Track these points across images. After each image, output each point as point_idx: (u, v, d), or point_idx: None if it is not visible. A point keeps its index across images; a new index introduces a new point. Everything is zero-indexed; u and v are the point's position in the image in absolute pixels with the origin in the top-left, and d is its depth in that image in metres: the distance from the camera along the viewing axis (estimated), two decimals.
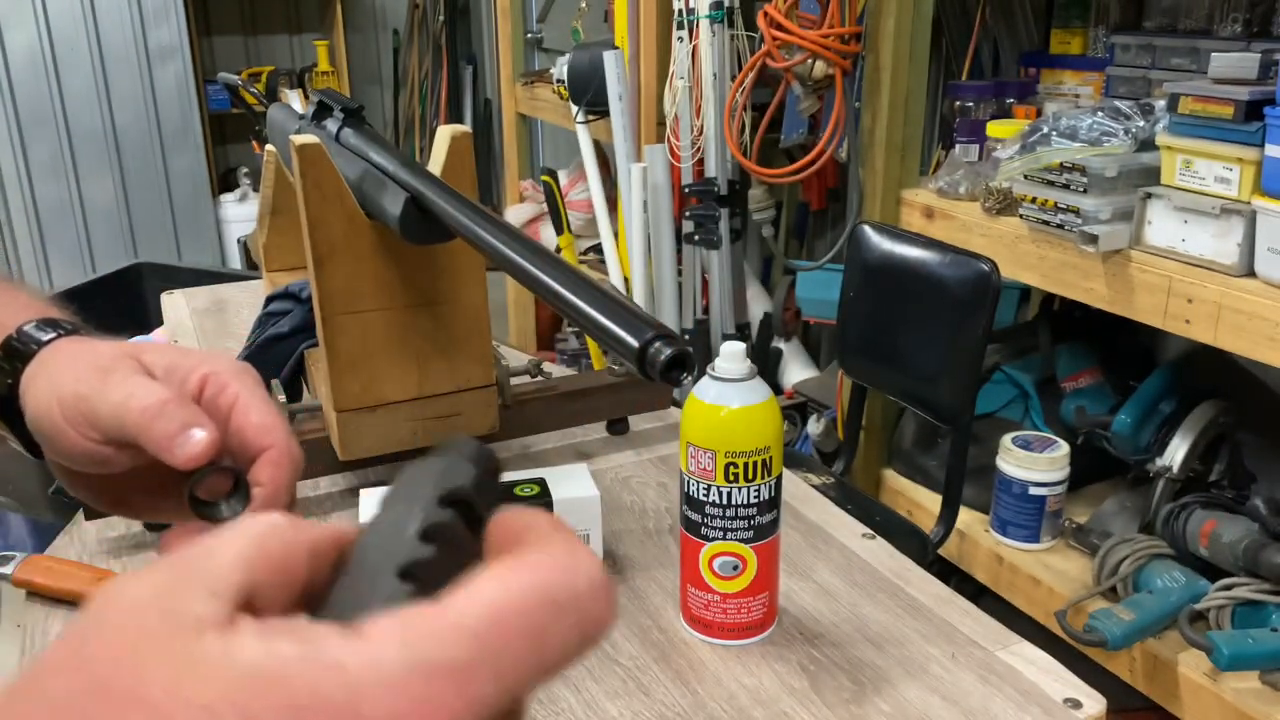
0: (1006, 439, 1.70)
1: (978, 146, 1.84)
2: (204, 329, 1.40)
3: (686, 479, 0.71)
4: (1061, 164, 1.47)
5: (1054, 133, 1.48)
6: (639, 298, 2.32)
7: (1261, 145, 1.27)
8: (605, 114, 2.39)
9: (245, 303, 1.48)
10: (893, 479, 2.04)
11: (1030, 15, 2.08)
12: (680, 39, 2.11)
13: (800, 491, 0.94)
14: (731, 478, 0.68)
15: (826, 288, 2.09)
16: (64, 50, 3.78)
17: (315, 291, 0.84)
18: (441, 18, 4.42)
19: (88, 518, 0.88)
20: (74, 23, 3.77)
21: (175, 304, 1.51)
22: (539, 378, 1.03)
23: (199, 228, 4.16)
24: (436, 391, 0.89)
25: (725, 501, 0.69)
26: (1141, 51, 1.71)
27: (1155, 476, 1.62)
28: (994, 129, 1.75)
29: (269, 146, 1.14)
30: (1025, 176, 1.53)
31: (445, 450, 0.29)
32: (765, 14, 1.91)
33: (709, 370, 0.70)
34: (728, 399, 0.68)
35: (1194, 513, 1.49)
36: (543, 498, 0.79)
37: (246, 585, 0.25)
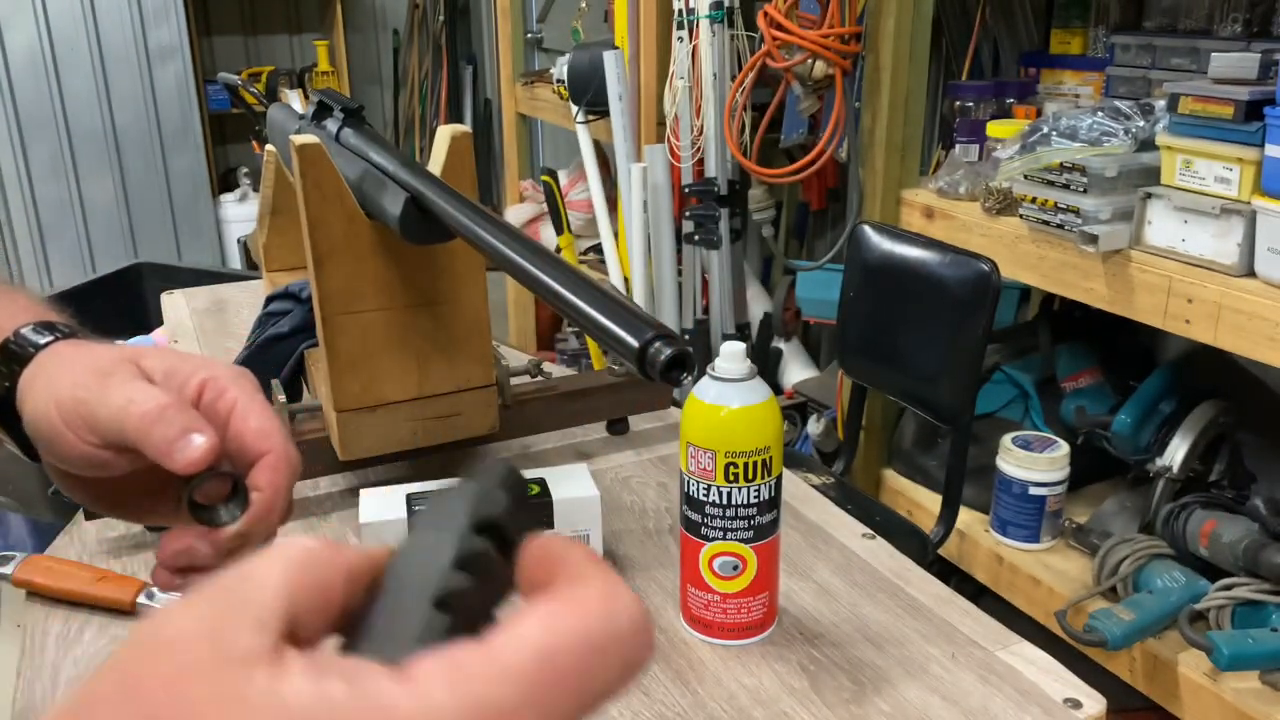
0: (1006, 439, 1.70)
1: (978, 146, 1.84)
2: (204, 329, 1.40)
3: (686, 479, 0.71)
4: (1061, 164, 1.47)
5: (1054, 133, 1.48)
6: (639, 298, 2.32)
7: (1261, 145, 1.27)
8: (605, 114, 2.39)
9: (245, 303, 1.48)
10: (893, 479, 2.04)
11: (1030, 15, 2.08)
12: (680, 39, 2.11)
13: (800, 491, 0.94)
14: (731, 478, 0.68)
15: (826, 288, 2.08)
16: (64, 50, 3.78)
17: (315, 291, 0.84)
18: (441, 18, 4.42)
19: (88, 518, 0.88)
20: (74, 23, 3.77)
21: (175, 304, 1.51)
22: (539, 378, 1.03)
23: (199, 228, 4.16)
24: (436, 391, 0.89)
25: (725, 501, 0.69)
26: (1141, 51, 1.71)
27: (1155, 476, 1.62)
28: (994, 129, 1.75)
29: (269, 146, 1.14)
30: (1025, 176, 1.53)
31: (477, 474, 0.29)
32: (765, 14, 1.91)
33: (709, 370, 0.70)
34: (728, 399, 0.68)
35: (1194, 513, 1.49)
36: (543, 498, 0.79)
37: (289, 612, 0.25)
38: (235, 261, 3.99)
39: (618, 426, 1.05)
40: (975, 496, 1.77)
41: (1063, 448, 1.68)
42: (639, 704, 0.67)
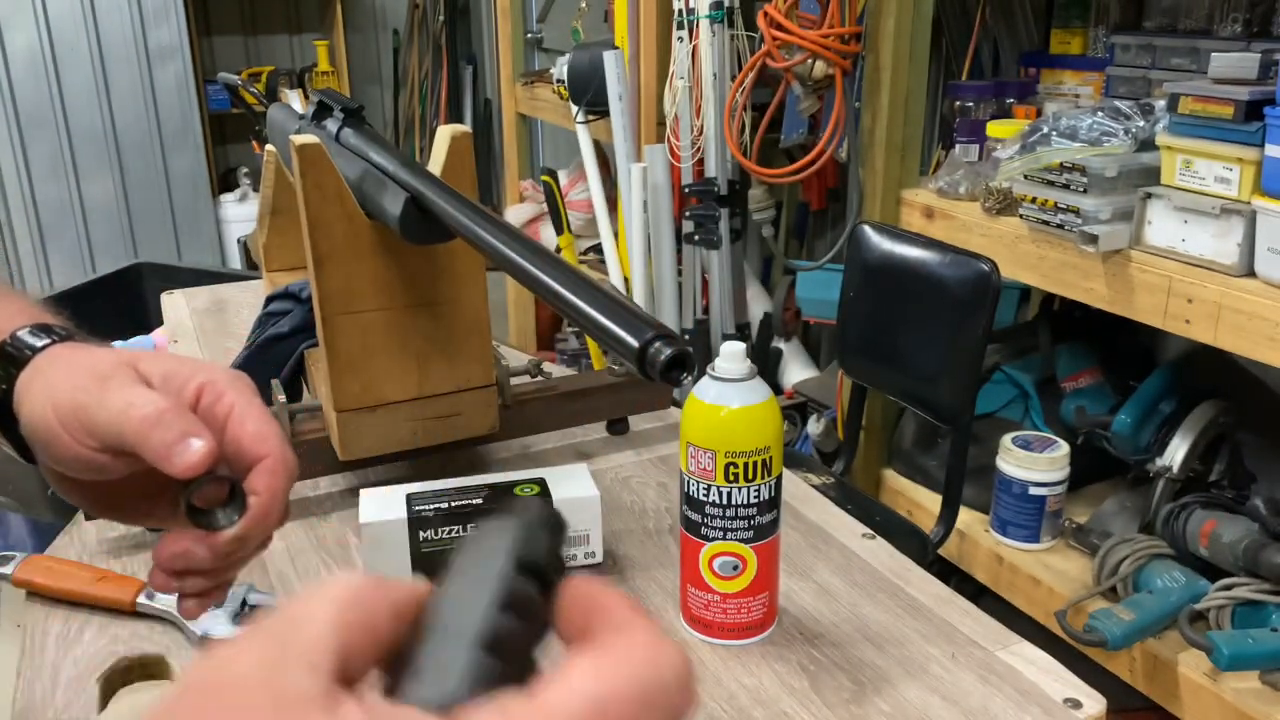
0: (1006, 439, 1.70)
1: (978, 146, 1.84)
2: (204, 329, 1.40)
3: (686, 479, 0.71)
4: (1061, 164, 1.47)
5: (1054, 133, 1.48)
6: (639, 298, 2.32)
7: (1261, 145, 1.27)
8: (605, 114, 2.39)
9: (245, 303, 1.47)
10: (893, 479, 2.04)
11: (1030, 15, 2.08)
12: (680, 39, 2.11)
13: (800, 491, 0.94)
14: (731, 478, 0.68)
15: (826, 288, 2.08)
16: (64, 50, 3.78)
17: (315, 292, 0.84)
18: (441, 18, 4.42)
19: (88, 518, 0.88)
20: (74, 23, 3.77)
21: (175, 304, 1.51)
22: (539, 378, 1.03)
23: (199, 228, 4.16)
24: (436, 391, 0.89)
25: (725, 501, 0.69)
26: (1141, 51, 1.71)
27: (1155, 476, 1.62)
28: (994, 129, 1.75)
29: (269, 146, 1.14)
30: (1025, 176, 1.53)
31: (515, 511, 0.30)
32: (765, 14, 1.91)
33: (709, 370, 0.69)
34: (728, 399, 0.68)
35: (1194, 513, 1.49)
36: (543, 498, 0.79)
37: (340, 652, 0.25)
38: (235, 261, 3.99)
39: (618, 426, 1.05)
40: (975, 496, 1.77)
41: (1063, 448, 1.68)
42: None
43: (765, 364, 2.43)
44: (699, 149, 2.14)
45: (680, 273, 2.30)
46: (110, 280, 2.37)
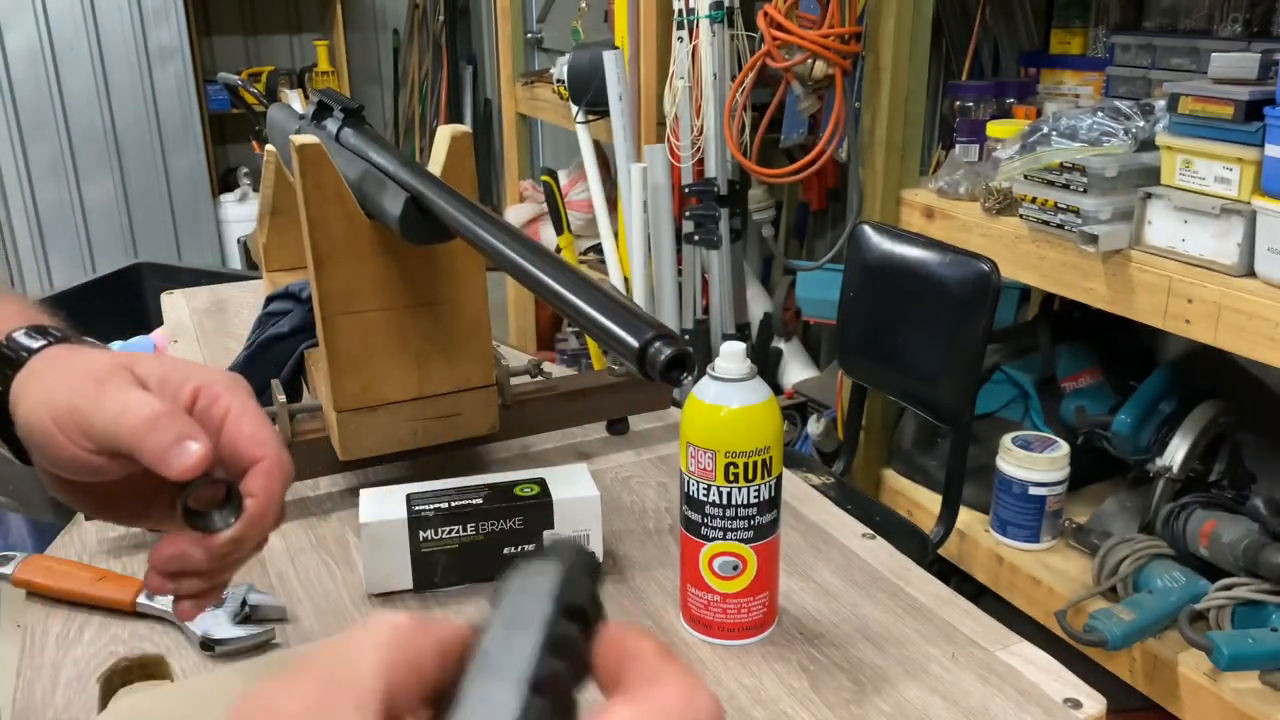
0: (1006, 439, 1.70)
1: (978, 146, 1.84)
2: (204, 329, 1.40)
3: (686, 479, 0.71)
4: (1061, 164, 1.47)
5: (1054, 133, 1.48)
6: (639, 298, 2.32)
7: (1261, 145, 1.27)
8: (605, 114, 2.39)
9: (245, 303, 1.47)
10: (893, 479, 2.04)
11: (1030, 15, 2.08)
12: (680, 39, 2.11)
13: (800, 491, 0.94)
14: (731, 478, 0.68)
15: (826, 288, 2.09)
16: (64, 50, 3.78)
17: (315, 292, 0.84)
18: (441, 18, 4.42)
19: (87, 518, 0.88)
20: (74, 23, 3.77)
21: (175, 304, 1.51)
22: (539, 378, 1.03)
23: (199, 228, 4.16)
24: (436, 391, 0.89)
25: (725, 501, 0.69)
26: (1141, 51, 1.71)
27: (1155, 476, 1.62)
28: (994, 129, 1.75)
29: (269, 146, 1.14)
30: (1025, 176, 1.53)
31: (554, 554, 0.31)
32: (765, 14, 1.91)
33: (709, 370, 0.69)
34: (728, 399, 0.68)
35: (1194, 513, 1.49)
36: (543, 498, 0.79)
37: (387, 693, 0.26)
38: (235, 261, 3.99)
39: (618, 426, 1.05)
40: (975, 496, 1.77)
41: (1063, 448, 1.68)
42: None
43: (765, 364, 2.43)
44: (699, 149, 2.14)
45: (680, 273, 2.30)
46: (110, 280, 2.37)
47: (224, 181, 4.39)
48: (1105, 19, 1.88)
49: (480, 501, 0.78)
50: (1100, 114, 1.46)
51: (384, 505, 0.78)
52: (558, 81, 2.56)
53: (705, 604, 0.72)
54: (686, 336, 2.28)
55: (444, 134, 0.83)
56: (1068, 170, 1.46)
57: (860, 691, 0.68)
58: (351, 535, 0.87)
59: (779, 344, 2.47)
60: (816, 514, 0.91)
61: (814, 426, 2.25)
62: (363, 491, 0.80)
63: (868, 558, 0.84)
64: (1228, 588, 1.40)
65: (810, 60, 1.91)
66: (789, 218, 2.63)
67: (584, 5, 2.87)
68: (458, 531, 0.78)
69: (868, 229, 1.63)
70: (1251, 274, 1.32)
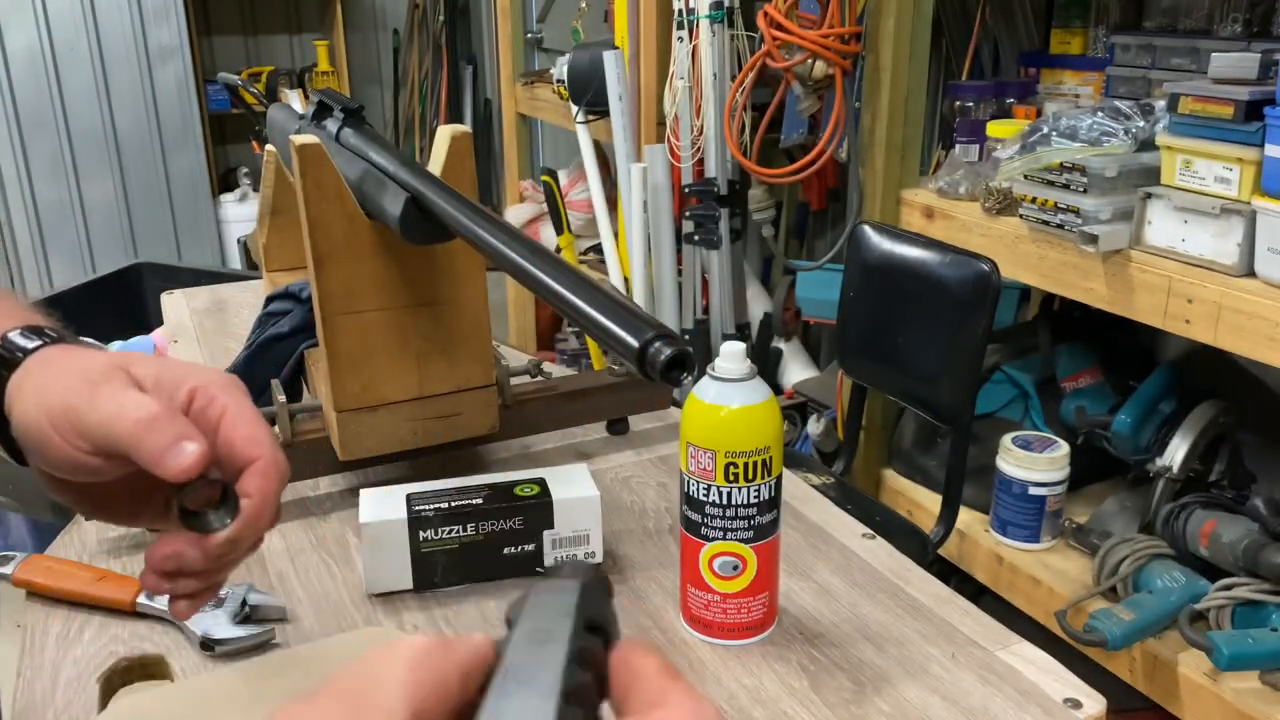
0: (1006, 439, 1.70)
1: (978, 146, 1.84)
2: (204, 329, 1.40)
3: (686, 479, 0.71)
4: (1061, 164, 1.47)
5: (1054, 133, 1.48)
6: (639, 298, 2.32)
7: (1261, 145, 1.27)
8: (605, 114, 2.39)
9: (245, 303, 1.47)
10: (893, 479, 2.04)
11: (1030, 15, 2.08)
12: (680, 39, 2.11)
13: (800, 491, 0.94)
14: (731, 478, 0.68)
15: (826, 288, 2.09)
16: (64, 50, 3.78)
17: (315, 291, 0.84)
18: (441, 18, 4.42)
19: (87, 518, 0.88)
20: (74, 23, 3.77)
21: (175, 304, 1.51)
22: (539, 378, 1.03)
23: (199, 228, 4.16)
24: (436, 391, 0.89)
25: (725, 501, 0.69)
26: (1141, 51, 1.71)
27: (1155, 476, 1.62)
28: (994, 129, 1.75)
29: (269, 146, 1.14)
30: (1025, 176, 1.53)
31: (569, 572, 0.32)
32: (765, 14, 1.91)
33: (709, 370, 0.69)
34: (728, 399, 0.68)
35: (1194, 513, 1.49)
36: (543, 498, 0.79)
37: (412, 713, 0.26)
38: (235, 261, 3.99)
39: (618, 426, 1.05)
40: (975, 496, 1.77)
41: (1063, 448, 1.68)
42: None
43: (765, 364, 2.43)
44: (699, 149, 2.14)
45: (680, 273, 2.30)
46: (110, 280, 2.37)
47: (224, 181, 4.39)
48: (1105, 19, 1.88)
49: (480, 501, 0.78)
50: (1100, 114, 1.46)
51: (384, 505, 0.78)
52: (558, 81, 2.56)
53: (705, 604, 0.72)
54: (686, 336, 2.28)
55: (444, 134, 0.83)
56: (1068, 170, 1.46)
57: (860, 691, 0.68)
58: (351, 535, 0.87)
59: (779, 344, 2.47)
60: (816, 514, 0.91)
61: (814, 426, 2.25)
62: (363, 491, 0.80)
63: (868, 558, 0.84)
64: (1228, 588, 1.40)
65: (810, 60, 1.91)
66: (789, 218, 2.63)
67: (584, 5, 2.87)
68: (458, 531, 0.78)
69: (868, 229, 1.63)
70: (1251, 274, 1.32)
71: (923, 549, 1.52)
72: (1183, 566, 1.48)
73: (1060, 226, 1.50)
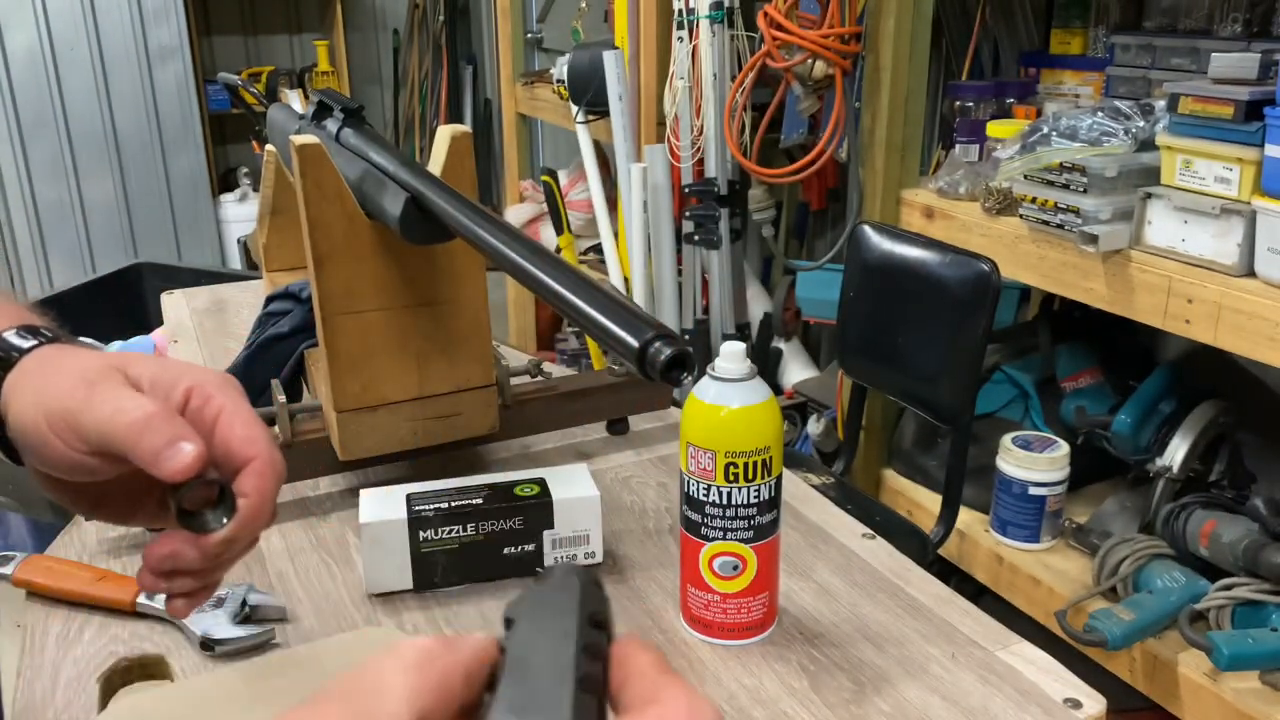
0: (1006, 439, 1.70)
1: (978, 146, 1.84)
2: (204, 329, 1.40)
3: (686, 479, 0.71)
4: (1061, 164, 1.47)
5: (1054, 133, 1.48)
6: (639, 298, 2.32)
7: (1261, 145, 1.27)
8: (605, 114, 2.39)
9: (245, 303, 1.48)
10: (893, 479, 2.04)
11: (1030, 15, 2.08)
12: (680, 39, 2.11)
13: (800, 491, 0.94)
14: (731, 478, 0.68)
15: (826, 288, 2.09)
16: (64, 50, 3.78)
17: (315, 291, 0.84)
18: (441, 18, 4.42)
19: (86, 518, 0.88)
20: (74, 23, 3.77)
21: (175, 304, 1.51)
22: (539, 378, 1.03)
23: (199, 228, 4.16)
24: (436, 391, 0.89)
25: (725, 501, 0.69)
26: (1141, 51, 1.71)
27: (1155, 476, 1.62)
28: (994, 129, 1.75)
29: (269, 146, 1.14)
30: (1025, 176, 1.53)
31: (564, 572, 0.32)
32: (765, 14, 1.91)
33: (709, 370, 0.69)
34: (728, 399, 0.68)
35: (1194, 513, 1.49)
36: (543, 498, 0.79)
37: (416, 716, 0.26)
38: (235, 261, 3.99)
39: (618, 426, 1.05)
40: (975, 496, 1.77)
41: (1063, 448, 1.68)
42: None
43: (765, 364, 2.43)
44: (699, 149, 2.14)
45: (680, 273, 2.30)
46: (110, 280, 2.37)
47: (224, 181, 4.39)
48: (1105, 19, 1.88)
49: (480, 501, 0.78)
50: (1100, 114, 1.46)
51: (384, 505, 0.78)
52: (558, 81, 2.56)
53: (705, 604, 0.72)
54: (686, 336, 2.28)
55: (444, 134, 0.83)
56: (1068, 170, 1.46)
57: (860, 691, 0.68)
58: (351, 535, 0.87)
59: (779, 344, 2.47)
60: (816, 514, 0.91)
61: (814, 426, 2.25)
62: (363, 491, 0.80)
63: (868, 558, 0.84)
64: (1228, 588, 1.40)
65: (810, 60, 1.91)
66: (789, 218, 2.63)
67: (584, 5, 2.87)
68: (458, 531, 0.78)
69: (868, 229, 1.63)
70: (1251, 274, 1.32)
71: (923, 549, 1.52)
72: (1183, 566, 1.48)
73: (1060, 226, 1.50)
